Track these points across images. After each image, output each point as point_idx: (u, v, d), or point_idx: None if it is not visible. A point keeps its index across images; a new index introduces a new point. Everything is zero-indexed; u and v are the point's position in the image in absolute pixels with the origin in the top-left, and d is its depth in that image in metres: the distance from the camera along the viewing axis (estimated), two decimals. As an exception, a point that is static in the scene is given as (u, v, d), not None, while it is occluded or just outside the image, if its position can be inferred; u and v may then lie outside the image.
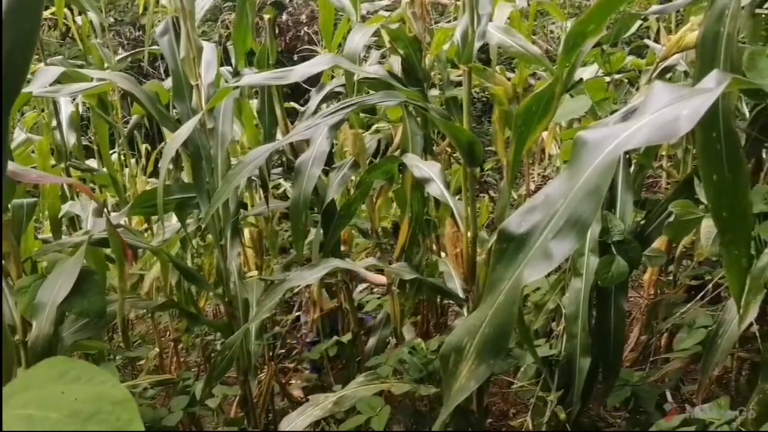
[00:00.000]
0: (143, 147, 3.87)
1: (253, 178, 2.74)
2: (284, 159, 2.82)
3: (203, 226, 2.18)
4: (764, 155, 2.16)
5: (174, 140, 1.80)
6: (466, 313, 2.18)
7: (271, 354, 3.18)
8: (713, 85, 1.01)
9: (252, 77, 2.04)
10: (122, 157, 3.33)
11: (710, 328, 2.17)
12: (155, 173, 3.93)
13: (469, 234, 2.03)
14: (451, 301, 3.47)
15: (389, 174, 2.41)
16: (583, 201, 0.97)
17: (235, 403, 2.84)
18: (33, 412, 0.64)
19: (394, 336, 2.73)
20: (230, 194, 1.96)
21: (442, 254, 2.76)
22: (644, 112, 1.01)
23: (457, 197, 2.26)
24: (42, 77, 1.88)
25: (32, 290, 1.93)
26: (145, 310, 3.52)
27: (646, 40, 3.64)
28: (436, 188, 2.11)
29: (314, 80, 2.43)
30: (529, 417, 2.13)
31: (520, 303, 1.06)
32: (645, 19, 3.72)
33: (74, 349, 2.17)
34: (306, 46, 4.07)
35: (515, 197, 4.37)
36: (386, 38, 2.44)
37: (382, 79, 1.91)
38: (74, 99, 2.74)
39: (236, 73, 2.41)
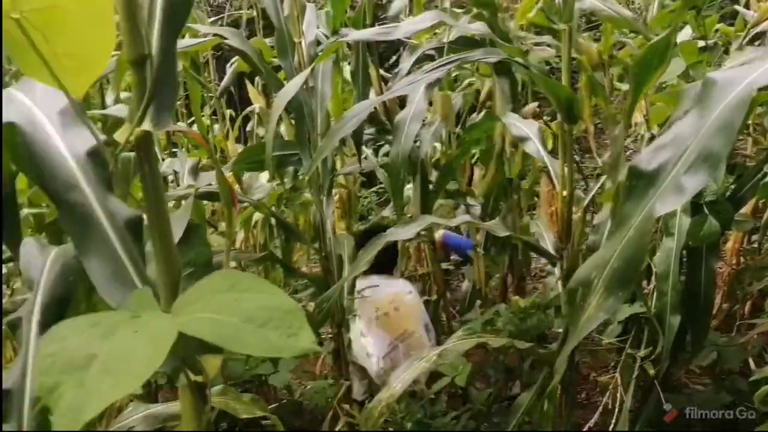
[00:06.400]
0: (227, 112, 3.98)
1: (343, 140, 2.80)
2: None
3: (306, 180, 2.25)
4: None
5: (282, 95, 1.87)
6: (557, 272, 2.21)
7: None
8: None
9: (360, 32, 2.10)
10: (211, 120, 3.44)
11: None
12: (239, 139, 4.05)
13: (564, 192, 2.05)
14: (533, 266, 3.51)
15: (489, 132, 2.44)
16: (714, 136, 1.00)
17: (321, 359, 2.93)
18: (216, 316, 0.69)
19: (479, 297, 2.78)
20: (332, 150, 2.03)
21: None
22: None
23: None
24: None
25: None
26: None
27: (736, 6, 3.56)
28: (533, 146, 2.15)
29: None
30: (618, 373, 2.15)
31: (650, 236, 1.09)
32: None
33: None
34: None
35: (600, 164, 4.35)
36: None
37: (487, 37, 1.94)
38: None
39: (334, 33, 2.48)
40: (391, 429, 2.27)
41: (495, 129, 2.46)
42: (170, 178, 2.88)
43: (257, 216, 3.12)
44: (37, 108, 0.96)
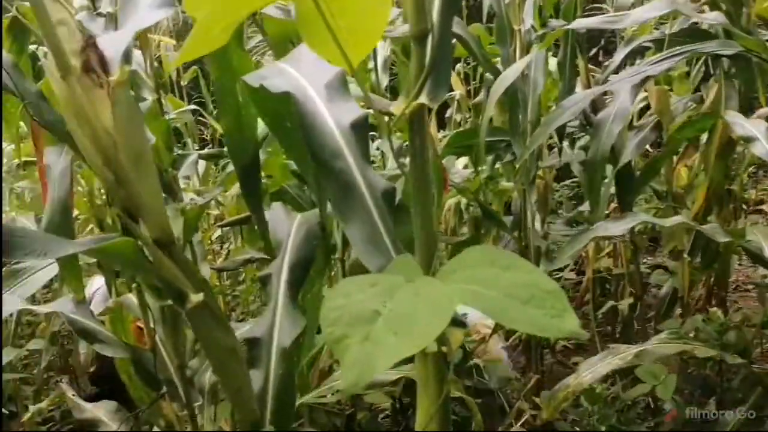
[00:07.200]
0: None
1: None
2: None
3: (504, 168, 2.25)
4: None
5: (502, 81, 1.87)
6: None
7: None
8: None
9: (585, 21, 2.05)
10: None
11: None
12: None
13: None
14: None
15: (703, 131, 2.29)
16: None
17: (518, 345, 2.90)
18: (478, 289, 0.70)
19: (680, 305, 2.63)
20: (545, 138, 2.00)
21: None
22: None
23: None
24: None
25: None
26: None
27: None
28: (761, 148, 1.98)
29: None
30: None
31: None
32: None
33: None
34: (593, 4, 3.96)
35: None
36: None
37: (725, 27, 1.82)
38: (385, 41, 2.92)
39: (543, 24, 2.44)
40: (578, 429, 2.22)
41: (709, 127, 2.30)
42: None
43: (450, 201, 3.16)
44: (304, 80, 1.02)
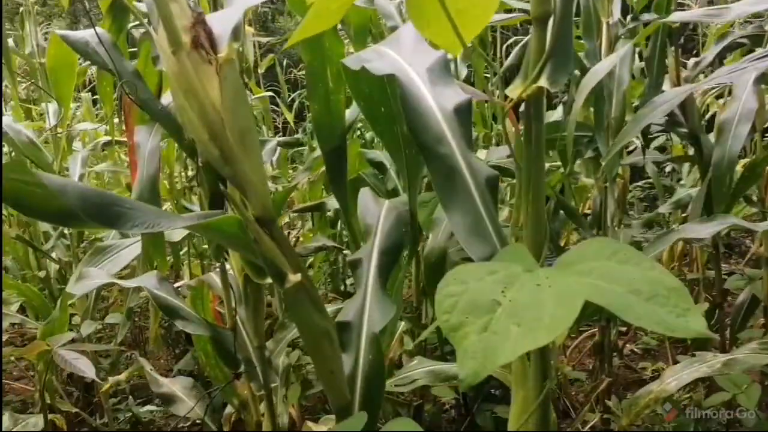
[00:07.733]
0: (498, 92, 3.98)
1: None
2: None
3: (603, 163, 2.18)
4: None
5: (592, 76, 1.81)
6: None
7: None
8: None
9: (685, 13, 1.97)
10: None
11: None
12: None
13: None
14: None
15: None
16: None
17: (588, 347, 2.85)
18: (599, 283, 0.65)
19: (764, 314, 2.53)
20: (637, 134, 1.94)
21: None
22: None
23: None
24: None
25: (431, 205, 2.10)
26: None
27: None
28: None
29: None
30: None
31: None
32: None
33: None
34: (680, 0, 3.83)
35: None
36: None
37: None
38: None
39: (635, 18, 2.36)
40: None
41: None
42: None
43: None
44: (406, 64, 1.00)
